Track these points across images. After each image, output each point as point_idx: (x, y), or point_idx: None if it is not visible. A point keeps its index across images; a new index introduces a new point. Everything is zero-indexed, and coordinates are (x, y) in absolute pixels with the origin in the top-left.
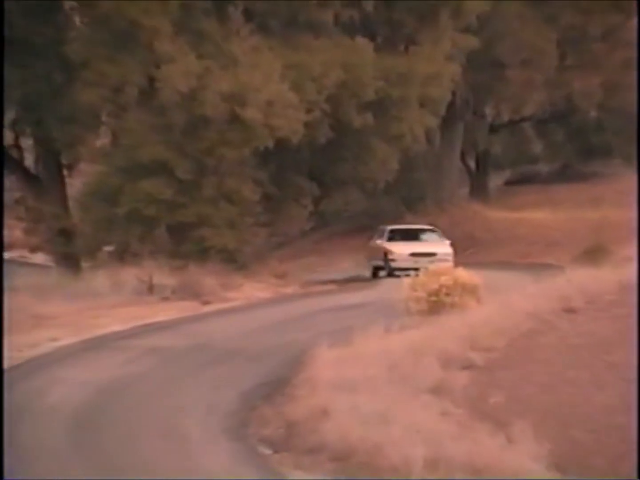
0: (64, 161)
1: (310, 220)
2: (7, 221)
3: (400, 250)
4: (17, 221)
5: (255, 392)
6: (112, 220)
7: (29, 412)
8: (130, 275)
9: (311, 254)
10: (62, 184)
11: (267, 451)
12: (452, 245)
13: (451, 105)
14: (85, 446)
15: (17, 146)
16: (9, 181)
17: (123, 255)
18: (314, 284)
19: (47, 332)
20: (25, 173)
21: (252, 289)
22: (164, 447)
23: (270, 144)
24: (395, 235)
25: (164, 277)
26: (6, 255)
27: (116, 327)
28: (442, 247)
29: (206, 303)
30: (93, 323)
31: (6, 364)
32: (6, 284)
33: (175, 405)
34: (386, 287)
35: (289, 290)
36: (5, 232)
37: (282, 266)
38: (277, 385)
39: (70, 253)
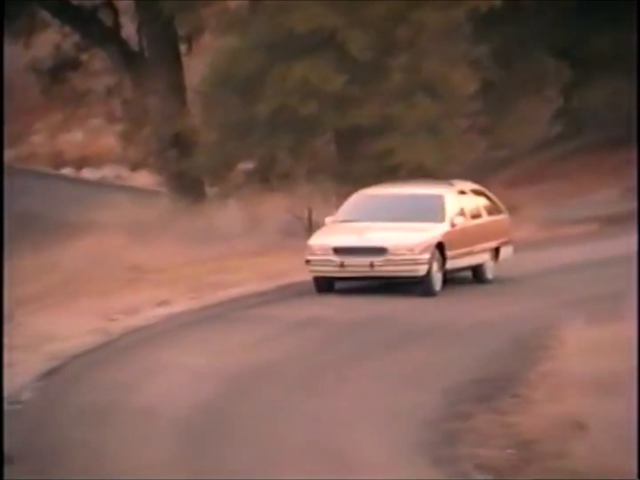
0: (179, 31)
1: (555, 123)
2: (101, 121)
3: (321, 240)
4: (110, 123)
5: (466, 391)
6: (252, 122)
7: (114, 415)
8: (276, 207)
9: (555, 178)
10: (178, 66)
11: None
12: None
13: None
14: (198, 473)
15: (111, 7)
16: (98, 59)
17: (267, 177)
18: (560, 223)
19: (150, 292)
20: (122, 48)
21: None
22: (325, 476)
23: (496, 1)
24: (353, 209)
25: (328, 211)
26: (93, 174)
27: (253, 287)
28: (414, 235)
29: None
30: (218, 280)
31: (87, 339)
32: (93, 217)
33: (339, 411)
34: None
35: (520, 232)
36: (90, 138)
37: (509, 195)
38: (502, 382)
39: (188, 172)
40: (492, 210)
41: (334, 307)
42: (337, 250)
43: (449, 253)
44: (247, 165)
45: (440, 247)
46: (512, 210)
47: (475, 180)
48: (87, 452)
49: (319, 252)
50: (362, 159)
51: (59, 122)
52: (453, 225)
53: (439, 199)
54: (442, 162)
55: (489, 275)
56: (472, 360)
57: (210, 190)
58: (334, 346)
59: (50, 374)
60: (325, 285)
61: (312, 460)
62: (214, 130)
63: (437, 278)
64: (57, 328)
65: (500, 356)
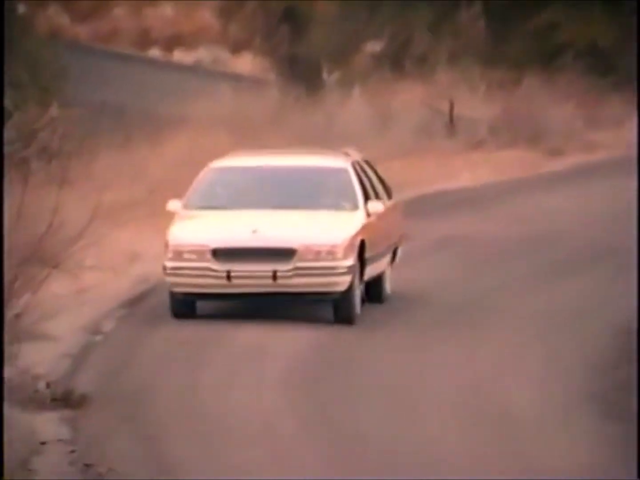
0: None
1: None
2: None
3: (190, 237)
4: None
5: None
6: None
7: (214, 352)
8: (411, 98)
9: None
10: None
11: None
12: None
13: None
14: (313, 424)
15: None
16: None
17: (399, 61)
18: None
19: None
20: None
21: None
22: (472, 432)
23: None
24: (215, 190)
25: (474, 104)
26: (186, 57)
27: None
28: (331, 229)
29: (554, 154)
30: None
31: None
32: (186, 111)
33: (491, 353)
34: None
35: None
36: (183, 13)
37: None
38: None
39: (301, 55)
40: (388, 192)
41: (492, 220)
42: (219, 254)
43: (368, 256)
44: (375, 46)
45: (360, 248)
46: None
47: None
48: (180, 394)
49: (189, 256)
50: (517, 38)
51: None
52: (369, 214)
53: (344, 174)
54: (618, 41)
55: (388, 288)
56: None
57: (329, 78)
58: (488, 270)
59: (136, 300)
60: (185, 306)
61: (454, 412)
62: (335, 3)
63: (358, 295)
64: (145, 245)
65: None
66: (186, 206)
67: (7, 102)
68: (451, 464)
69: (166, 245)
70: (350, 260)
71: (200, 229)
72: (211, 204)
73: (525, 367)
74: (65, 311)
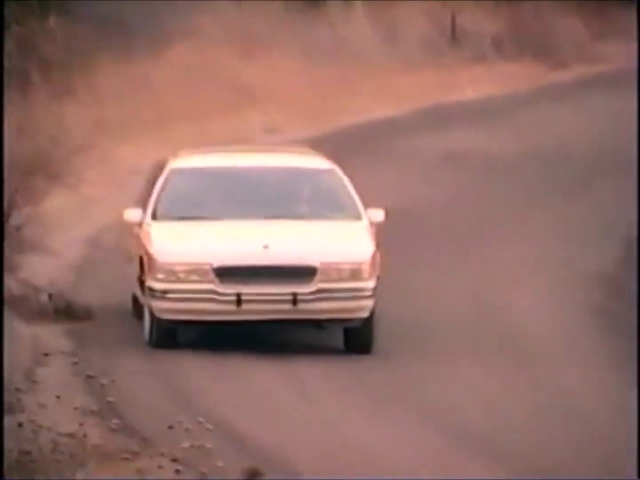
0: None
1: None
2: None
3: (185, 252)
4: None
5: None
6: None
7: None
8: (413, 13)
9: None
10: None
11: None
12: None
13: None
14: None
15: None
16: None
17: None
18: None
19: (258, 117)
20: None
21: None
22: (483, 335)
23: None
24: (186, 196)
25: (479, 17)
26: None
27: (387, 111)
28: (351, 243)
29: (558, 66)
30: (342, 104)
31: None
32: (188, 24)
33: (502, 263)
34: None
35: None
36: None
37: None
38: None
39: None
40: None
41: (498, 135)
42: (224, 273)
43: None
44: None
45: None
46: None
47: None
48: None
49: (185, 277)
50: None
51: None
52: (371, 223)
53: (333, 176)
54: None
55: None
56: None
57: None
58: (499, 188)
59: None
60: (169, 335)
61: (468, 317)
62: None
63: None
64: (149, 160)
65: None
66: (157, 216)
67: (7, 13)
68: (463, 378)
69: (151, 262)
70: (374, 281)
71: (196, 244)
72: (192, 213)
73: (533, 280)
74: (67, 224)
